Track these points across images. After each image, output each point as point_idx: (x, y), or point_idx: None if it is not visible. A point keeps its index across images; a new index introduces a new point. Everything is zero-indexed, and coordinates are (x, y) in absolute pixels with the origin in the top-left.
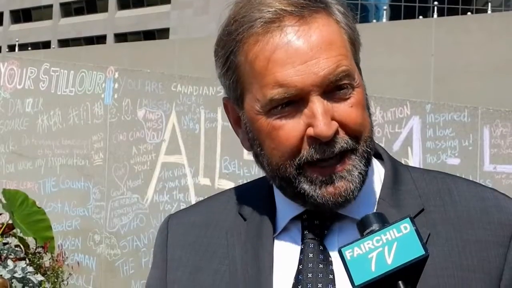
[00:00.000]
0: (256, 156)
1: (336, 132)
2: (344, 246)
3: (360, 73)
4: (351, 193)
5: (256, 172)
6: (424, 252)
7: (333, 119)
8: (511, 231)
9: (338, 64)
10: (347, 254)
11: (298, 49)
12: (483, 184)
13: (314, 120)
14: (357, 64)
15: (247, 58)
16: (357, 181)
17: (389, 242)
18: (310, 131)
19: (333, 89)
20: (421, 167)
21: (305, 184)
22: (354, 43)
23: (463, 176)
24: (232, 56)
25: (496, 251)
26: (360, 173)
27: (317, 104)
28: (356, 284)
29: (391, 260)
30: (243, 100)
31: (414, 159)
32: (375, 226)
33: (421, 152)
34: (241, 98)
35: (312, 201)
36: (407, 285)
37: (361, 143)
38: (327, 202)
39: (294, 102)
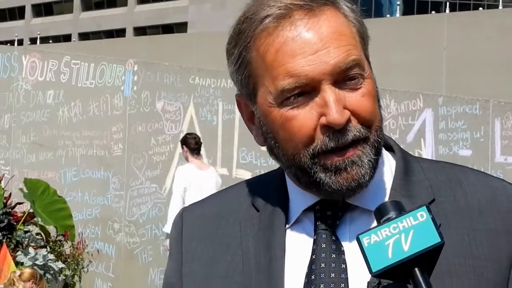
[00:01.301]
0: (271, 149)
1: (349, 121)
2: (362, 233)
3: (370, 66)
4: (362, 178)
5: (272, 163)
6: (440, 240)
7: (345, 108)
8: None
9: (349, 53)
10: (365, 241)
11: (309, 41)
12: (490, 174)
13: (326, 109)
14: (367, 57)
15: (259, 52)
16: (367, 167)
17: (405, 229)
18: (323, 120)
19: (344, 78)
20: (434, 158)
21: (320, 172)
22: (363, 37)
23: (475, 167)
24: (244, 52)
25: (506, 239)
26: (369, 160)
27: (329, 92)
28: (373, 270)
29: (407, 247)
30: (256, 95)
31: (427, 150)
32: (392, 214)
33: (434, 143)
34: (253, 93)
35: (326, 188)
36: (423, 272)
37: (372, 132)
38: (341, 187)
39: (306, 93)
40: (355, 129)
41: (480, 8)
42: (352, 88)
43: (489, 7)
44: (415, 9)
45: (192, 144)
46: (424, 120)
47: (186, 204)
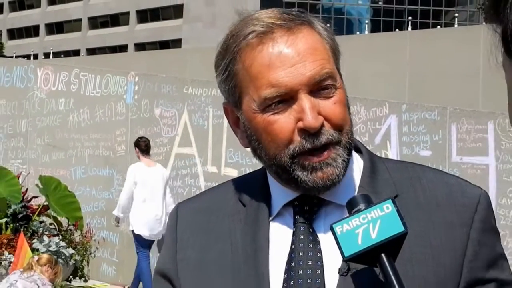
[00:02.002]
0: (254, 150)
1: (322, 125)
2: (335, 222)
3: (341, 78)
4: (336, 177)
5: (256, 161)
6: (404, 229)
7: (319, 114)
8: (473, 212)
9: (322, 66)
10: (338, 229)
11: (287, 55)
12: (447, 172)
13: (303, 115)
14: (338, 70)
15: (244, 65)
16: (341, 167)
17: (373, 219)
18: (300, 124)
19: (318, 88)
20: (398, 158)
21: (298, 171)
22: (335, 52)
23: (434, 166)
24: (231, 64)
25: (460, 230)
26: (343, 160)
27: (305, 100)
28: (345, 255)
29: (375, 235)
30: (241, 102)
31: (392, 151)
32: (361, 206)
33: (398, 145)
34: (239, 101)
35: (304, 185)
36: (389, 257)
37: (343, 135)
38: (317, 185)
39: (285, 101)
40: (328, 133)
41: (438, 27)
42: (325, 96)
43: (446, 25)
44: (381, 27)
45: (142, 146)
46: (389, 124)
47: (134, 194)
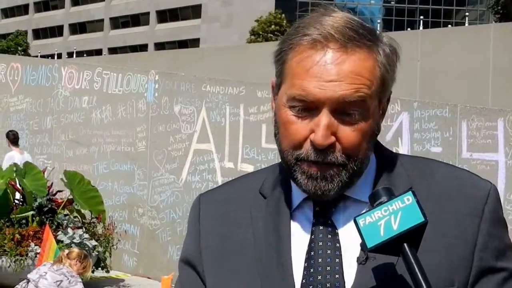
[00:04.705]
0: (275, 135)
1: (333, 145)
2: (358, 215)
3: (381, 111)
4: (327, 192)
5: (271, 157)
6: (424, 219)
7: (334, 134)
8: (483, 204)
9: (357, 91)
10: (361, 222)
11: (328, 71)
12: (459, 166)
13: (316, 129)
14: (381, 101)
15: (292, 60)
16: (335, 185)
17: (395, 211)
18: (312, 136)
19: (344, 110)
20: (409, 154)
21: (298, 173)
22: (385, 82)
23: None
24: (283, 53)
25: (471, 221)
26: (340, 181)
27: (324, 117)
28: (368, 246)
29: (396, 226)
30: (280, 88)
31: (403, 148)
32: (383, 198)
33: (410, 142)
34: (279, 86)
35: (301, 187)
36: (411, 247)
37: (351, 161)
38: (309, 191)
39: (310, 109)
40: (334, 155)
41: (449, 26)
42: (348, 122)
43: (457, 24)
44: (393, 26)
45: (11, 138)
46: (401, 122)
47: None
